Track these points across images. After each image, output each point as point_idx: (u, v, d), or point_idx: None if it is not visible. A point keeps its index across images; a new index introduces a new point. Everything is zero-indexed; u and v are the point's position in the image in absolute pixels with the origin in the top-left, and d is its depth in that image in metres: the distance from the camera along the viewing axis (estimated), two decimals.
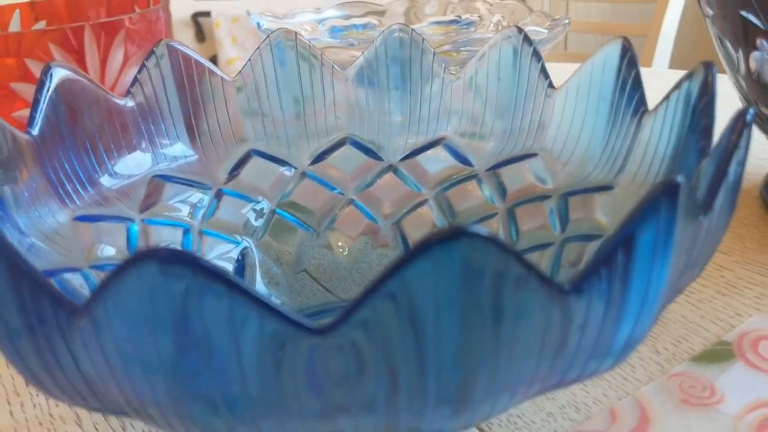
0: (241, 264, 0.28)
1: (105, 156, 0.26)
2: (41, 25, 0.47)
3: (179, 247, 0.26)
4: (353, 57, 0.37)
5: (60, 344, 0.14)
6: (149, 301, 0.12)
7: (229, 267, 0.28)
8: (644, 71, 0.60)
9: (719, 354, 0.24)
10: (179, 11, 1.74)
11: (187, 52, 0.28)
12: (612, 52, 0.25)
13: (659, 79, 0.57)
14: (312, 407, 0.14)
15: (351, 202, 0.30)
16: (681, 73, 0.59)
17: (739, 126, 0.17)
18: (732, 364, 0.24)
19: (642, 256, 0.14)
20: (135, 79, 0.28)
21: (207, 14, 1.75)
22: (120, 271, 0.12)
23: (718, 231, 0.17)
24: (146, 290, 0.12)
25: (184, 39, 1.83)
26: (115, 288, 0.12)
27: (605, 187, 0.25)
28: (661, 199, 0.14)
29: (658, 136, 0.23)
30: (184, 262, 0.11)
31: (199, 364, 0.13)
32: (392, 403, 0.14)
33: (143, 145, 0.27)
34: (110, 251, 0.25)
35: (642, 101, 0.24)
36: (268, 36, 0.30)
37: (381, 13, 0.54)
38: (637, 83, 0.24)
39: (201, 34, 1.75)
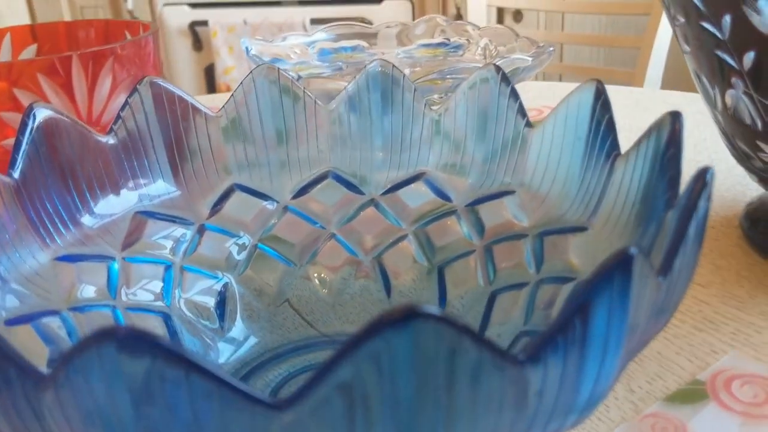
0: (223, 297, 0.29)
1: (88, 194, 0.27)
2: (31, 50, 0.47)
3: (158, 289, 0.27)
4: (339, 87, 0.38)
5: (27, 410, 0.14)
6: (109, 379, 0.12)
7: (211, 301, 0.28)
8: (635, 91, 0.60)
9: (692, 394, 0.25)
10: (176, 20, 1.74)
11: (171, 89, 0.29)
12: (586, 94, 0.26)
13: (650, 99, 0.57)
14: None
15: (332, 236, 0.30)
16: (670, 94, 0.59)
17: (698, 187, 0.17)
18: (705, 404, 0.24)
19: (597, 323, 0.14)
20: (118, 116, 0.28)
21: (204, 23, 1.76)
22: (79, 349, 0.12)
23: (680, 287, 0.17)
24: (105, 370, 0.12)
25: (181, 48, 1.84)
26: (76, 365, 0.12)
27: (579, 228, 0.25)
28: (615, 270, 0.14)
29: (629, 180, 0.24)
30: (143, 343, 0.12)
31: None
32: None
33: (126, 182, 0.28)
34: (90, 291, 0.25)
35: (615, 144, 0.25)
36: (251, 72, 0.30)
37: (371, 36, 0.54)
38: (610, 126, 0.25)
39: (198, 43, 1.75)
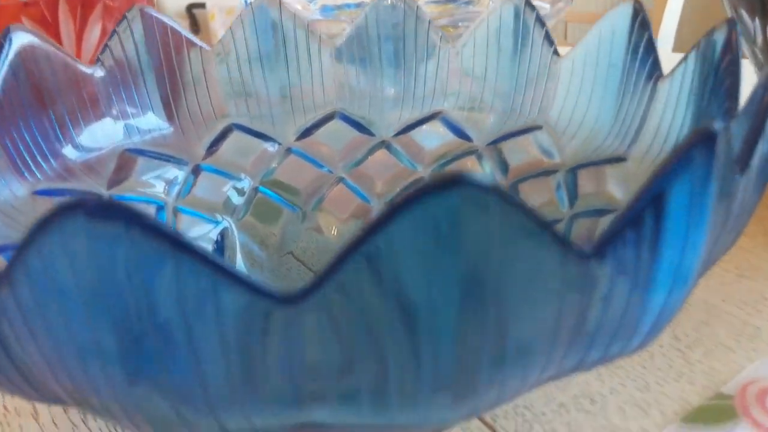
0: (221, 245, 0.26)
1: (70, 126, 0.24)
2: None
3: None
4: (343, 29, 0.35)
5: None
6: (77, 266, 0.10)
7: (208, 247, 0.26)
8: None
9: (718, 411, 0.20)
10: (174, 3, 1.71)
11: (163, 19, 0.26)
12: (622, 15, 0.23)
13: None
14: (283, 394, 0.12)
15: (340, 180, 0.28)
16: (672, 54, 0.56)
17: None
18: (735, 424, 0.19)
19: (675, 216, 0.12)
20: (105, 46, 0.25)
21: (202, 6, 1.72)
22: (39, 228, 0.10)
23: (754, 195, 0.15)
24: (71, 254, 0.10)
25: None
26: (35, 250, 0.10)
27: (617, 159, 0.23)
28: (697, 149, 0.11)
29: (675, 102, 0.21)
30: (117, 216, 0.09)
31: (145, 345, 0.11)
32: (379, 387, 0.12)
33: (113, 115, 0.25)
34: None
35: (656, 65, 0.22)
36: (250, 3, 0.27)
37: None
38: (650, 47, 0.22)
39: (196, 26, 1.72)
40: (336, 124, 0.28)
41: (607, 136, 0.23)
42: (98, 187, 0.24)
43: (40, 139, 0.23)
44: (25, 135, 0.22)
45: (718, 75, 0.19)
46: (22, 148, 0.22)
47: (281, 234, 0.27)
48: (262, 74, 0.28)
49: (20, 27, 0.23)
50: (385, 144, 0.28)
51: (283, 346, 0.11)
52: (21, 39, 0.23)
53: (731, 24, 0.19)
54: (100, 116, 0.25)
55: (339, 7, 0.48)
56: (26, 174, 0.22)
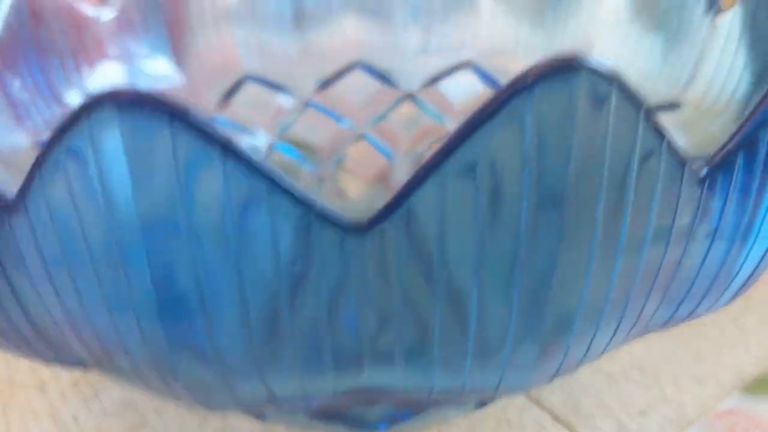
0: None
1: (75, 71, 0.22)
2: None
3: None
4: None
5: None
6: (110, 174, 0.08)
7: None
8: None
9: None
10: None
11: None
12: None
13: None
14: (340, 347, 0.10)
15: (362, 136, 0.26)
16: None
17: None
18: None
19: None
20: None
21: None
22: (66, 130, 0.08)
23: None
24: (103, 160, 0.08)
25: None
26: (57, 162, 0.08)
27: (670, 106, 0.21)
28: None
29: (737, 40, 0.19)
30: (161, 110, 0.08)
31: (184, 285, 0.09)
32: (454, 338, 0.10)
33: (119, 59, 0.23)
34: None
35: None
36: None
37: None
38: None
39: None
40: (357, 75, 0.26)
41: (655, 83, 0.22)
42: None
43: (43, 85, 0.21)
44: (28, 79, 0.21)
45: None
46: (25, 93, 0.20)
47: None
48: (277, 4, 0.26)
49: None
50: (410, 97, 0.26)
51: (340, 282, 0.09)
52: None
53: None
54: (105, 61, 0.23)
55: None
56: (28, 123, 0.20)
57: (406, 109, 0.26)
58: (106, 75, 0.23)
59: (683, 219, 0.10)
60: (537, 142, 0.08)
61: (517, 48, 0.25)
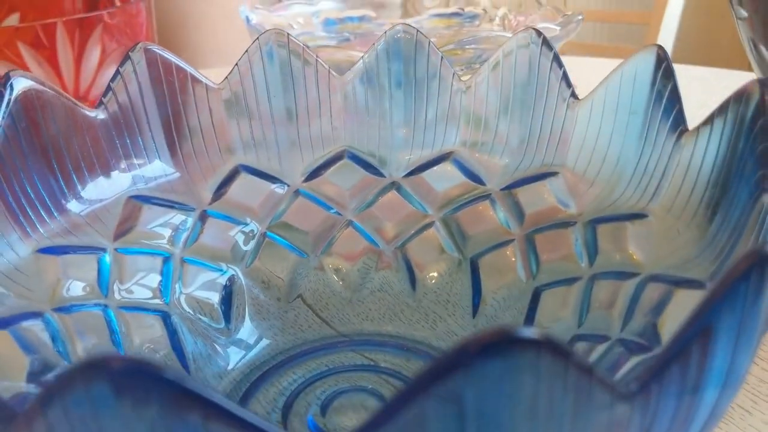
0: (228, 292, 0.25)
1: (74, 176, 0.23)
2: (13, 19, 0.44)
3: (155, 284, 0.24)
4: (350, 57, 0.34)
5: None
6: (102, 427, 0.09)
7: (215, 297, 0.25)
8: None
9: None
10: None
11: (168, 56, 0.25)
12: (645, 61, 0.22)
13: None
14: None
15: (349, 223, 0.27)
16: (697, 69, 0.56)
17: None
18: None
19: (722, 348, 0.11)
20: (108, 88, 0.25)
21: None
22: (61, 386, 0.09)
23: None
24: (98, 416, 0.09)
25: None
26: (57, 408, 0.09)
27: (638, 215, 0.22)
28: (746, 281, 0.11)
29: (700, 159, 0.20)
30: (146, 379, 0.09)
31: None
32: None
33: (118, 162, 0.25)
34: (78, 288, 0.22)
35: (680, 118, 0.21)
36: (257, 38, 0.27)
37: (378, 5, 0.51)
38: (675, 97, 0.22)
39: None
40: (345, 164, 0.27)
41: (627, 186, 0.23)
42: (104, 240, 0.23)
43: (43, 193, 0.22)
44: (28, 189, 0.22)
45: (749, 139, 0.18)
46: (25, 203, 0.22)
47: (289, 279, 0.26)
48: (269, 111, 0.27)
49: (21, 73, 0.22)
50: (395, 185, 0.27)
51: None
52: (21, 85, 0.22)
53: (764, 84, 0.19)
54: (104, 164, 0.24)
55: (342, 21, 0.48)
56: (29, 231, 0.21)
57: (391, 197, 0.27)
58: (105, 179, 0.24)
59: (619, 428, 0.11)
60: (477, 415, 0.09)
61: (495, 146, 0.26)
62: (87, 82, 0.35)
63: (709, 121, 0.20)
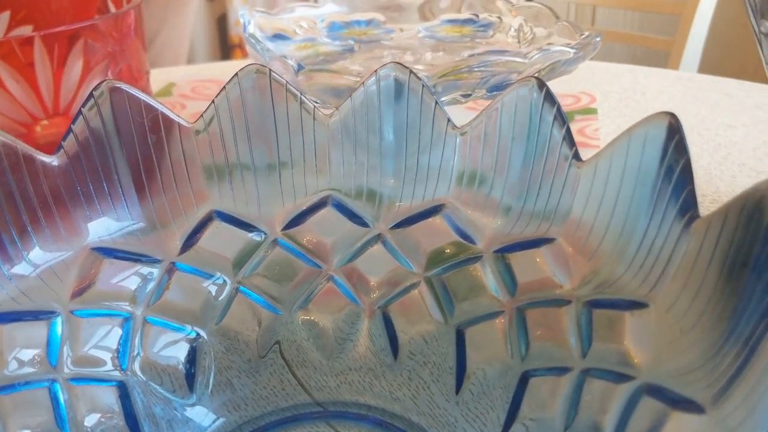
0: (194, 353, 0.24)
1: (30, 230, 0.22)
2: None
3: (115, 343, 0.22)
4: (347, 81, 0.32)
5: None
6: None
7: (179, 358, 0.23)
8: (683, 77, 0.54)
9: None
10: None
11: (137, 95, 0.23)
12: (656, 130, 0.20)
13: (688, 83, 0.50)
14: None
15: (330, 278, 0.25)
16: (725, 82, 0.53)
17: None
18: None
19: None
20: (69, 131, 0.23)
21: None
22: None
23: None
24: None
25: None
26: None
27: (637, 304, 0.20)
28: None
29: (709, 255, 0.18)
30: None
31: None
32: None
33: (79, 212, 0.23)
34: (25, 358, 0.20)
35: (691, 201, 0.19)
36: (236, 74, 0.24)
37: (395, 8, 0.48)
38: (687, 177, 0.19)
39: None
40: (328, 212, 0.25)
41: (629, 267, 0.21)
42: (58, 302, 0.21)
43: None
44: None
45: (765, 246, 0.16)
46: None
47: (262, 338, 0.25)
48: (248, 152, 0.25)
49: None
50: (380, 238, 0.25)
51: None
52: None
53: None
54: (64, 213, 0.22)
55: (348, 25, 0.45)
56: None
57: (377, 250, 0.25)
58: (63, 230, 0.22)
59: None
60: None
61: (491, 201, 0.24)
62: (68, 97, 0.33)
63: (723, 214, 0.18)
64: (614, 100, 0.51)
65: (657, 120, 0.20)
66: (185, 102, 0.52)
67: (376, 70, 0.25)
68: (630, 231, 0.21)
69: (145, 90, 0.39)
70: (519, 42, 0.42)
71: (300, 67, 0.32)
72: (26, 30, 0.40)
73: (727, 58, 1.35)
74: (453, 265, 0.24)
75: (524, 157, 0.23)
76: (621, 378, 0.19)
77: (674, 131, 0.20)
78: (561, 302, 0.22)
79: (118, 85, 0.23)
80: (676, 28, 1.07)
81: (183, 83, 0.57)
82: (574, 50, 0.35)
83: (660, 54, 1.24)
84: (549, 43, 0.39)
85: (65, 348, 0.21)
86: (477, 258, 0.24)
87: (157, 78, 0.60)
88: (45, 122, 0.34)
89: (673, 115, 0.20)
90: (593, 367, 0.20)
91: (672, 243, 0.19)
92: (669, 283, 0.19)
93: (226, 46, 1.82)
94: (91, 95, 0.23)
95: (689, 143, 0.19)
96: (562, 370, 0.20)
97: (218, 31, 1.83)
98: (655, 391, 0.18)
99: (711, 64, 1.22)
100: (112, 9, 0.41)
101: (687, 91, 0.52)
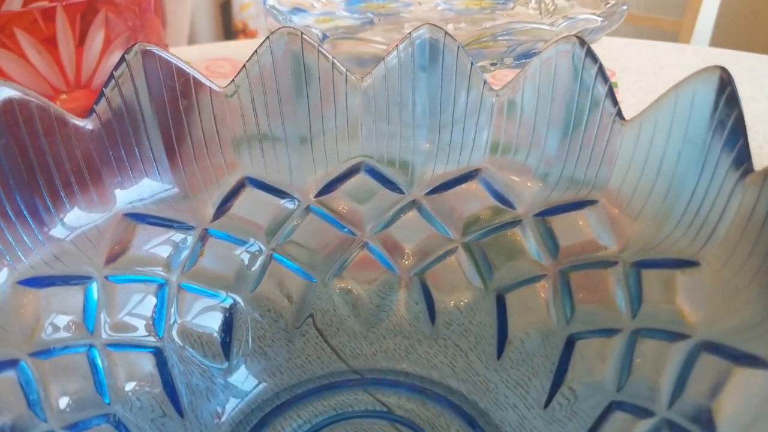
0: (229, 321, 0.23)
1: (63, 195, 0.21)
2: (16, 3, 0.41)
3: (151, 309, 0.22)
4: (373, 49, 0.32)
5: None
6: None
7: (215, 326, 0.23)
8: (701, 51, 0.53)
9: None
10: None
11: (169, 58, 0.23)
12: (705, 85, 0.20)
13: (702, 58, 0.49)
14: None
15: (365, 245, 0.25)
16: (742, 55, 0.52)
17: None
18: None
19: None
20: (101, 95, 0.22)
21: None
22: None
23: None
24: None
25: None
26: None
27: (688, 263, 0.19)
28: None
29: (767, 208, 0.18)
30: None
31: None
32: None
33: (112, 177, 0.22)
34: (61, 324, 0.20)
35: (745, 154, 0.19)
36: (267, 37, 0.24)
37: None
38: (739, 130, 0.19)
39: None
40: (361, 179, 0.25)
41: (676, 226, 0.20)
42: (92, 267, 0.21)
43: (28, 217, 0.20)
44: (10, 213, 0.20)
45: None
46: (5, 229, 0.19)
47: (297, 306, 0.24)
48: (280, 117, 0.25)
49: (2, 82, 0.20)
50: (416, 204, 0.25)
51: None
52: (3, 95, 0.20)
53: None
54: (96, 179, 0.22)
55: None
56: (9, 260, 0.19)
57: (412, 216, 0.25)
58: (97, 195, 0.21)
59: None
60: None
61: (530, 164, 0.23)
62: (90, 69, 0.33)
63: None
64: (633, 74, 0.50)
65: (706, 74, 0.20)
66: None
67: (410, 32, 0.24)
68: (677, 190, 0.20)
69: None
70: (540, 13, 0.42)
71: (325, 36, 0.32)
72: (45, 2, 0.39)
73: (736, 39, 1.34)
74: (491, 230, 0.24)
75: (565, 119, 0.23)
76: (676, 337, 0.18)
77: (725, 84, 0.19)
78: (607, 263, 0.21)
79: (150, 48, 0.23)
80: (683, 9, 1.07)
81: (197, 62, 0.56)
82: (600, 18, 0.34)
83: (667, 35, 1.23)
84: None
85: (102, 314, 0.20)
86: (516, 222, 0.23)
87: None
88: (65, 96, 0.33)
89: (724, 69, 0.20)
90: (644, 327, 0.19)
91: (724, 198, 0.19)
92: (722, 240, 0.19)
93: (230, 32, 1.81)
94: (123, 59, 0.22)
95: None
96: (611, 332, 0.20)
97: (222, 16, 1.82)
98: (713, 348, 0.17)
99: (720, 45, 1.21)
100: None
101: (706, 65, 0.52)
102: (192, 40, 1.81)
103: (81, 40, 0.32)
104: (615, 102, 0.22)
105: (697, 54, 0.55)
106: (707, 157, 0.20)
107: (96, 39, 0.32)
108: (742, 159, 0.18)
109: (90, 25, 0.32)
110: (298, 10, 0.41)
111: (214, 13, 1.80)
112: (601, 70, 0.22)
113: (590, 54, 0.22)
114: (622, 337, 0.20)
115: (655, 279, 0.20)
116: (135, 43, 0.23)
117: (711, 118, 0.19)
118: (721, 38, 1.19)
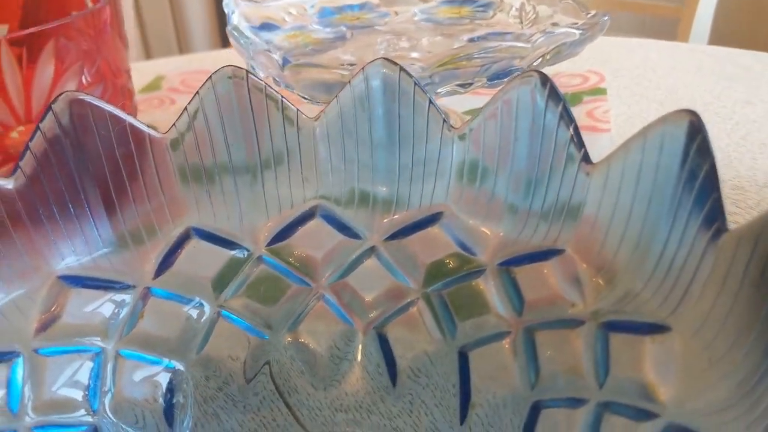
0: (172, 389, 0.22)
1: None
2: None
3: (85, 382, 0.20)
4: (337, 76, 0.30)
5: None
6: None
7: (156, 394, 0.22)
8: (697, 50, 0.51)
9: None
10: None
11: (101, 106, 0.21)
12: (675, 129, 0.18)
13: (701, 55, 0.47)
14: None
15: (321, 297, 0.23)
16: (740, 53, 0.50)
17: None
18: None
19: None
20: (26, 148, 0.21)
21: None
22: None
23: None
24: None
25: None
26: None
27: (657, 327, 0.18)
28: None
29: (742, 272, 0.16)
30: None
31: None
32: None
33: (42, 237, 0.21)
34: None
35: (718, 212, 0.17)
36: (210, 77, 0.22)
37: None
38: (711, 183, 0.17)
39: None
40: (317, 225, 0.23)
41: (647, 283, 0.18)
42: (21, 338, 0.20)
43: None
44: None
45: None
46: None
47: (249, 363, 0.23)
48: (228, 162, 0.23)
49: None
50: (374, 251, 0.23)
51: None
52: None
53: None
54: (26, 240, 0.20)
55: (339, 10, 0.43)
56: None
57: (370, 264, 0.23)
58: (25, 258, 0.20)
59: None
60: None
61: (493, 209, 0.22)
62: (41, 103, 0.31)
63: (757, 227, 0.15)
64: (625, 78, 0.48)
65: (675, 119, 0.18)
66: (174, 96, 0.50)
67: (363, 68, 0.22)
68: (647, 242, 0.19)
69: (126, 87, 0.37)
70: (521, 22, 0.40)
71: (286, 62, 0.30)
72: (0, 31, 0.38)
73: (738, 25, 1.31)
74: (454, 280, 0.22)
75: (528, 159, 0.21)
76: (643, 415, 0.17)
77: (696, 131, 0.17)
78: (574, 323, 0.19)
79: (80, 97, 0.21)
80: None
81: (172, 76, 0.54)
82: (580, 31, 0.32)
83: (669, 22, 1.20)
84: (553, 24, 0.36)
85: (27, 394, 0.19)
86: (480, 272, 0.22)
87: (145, 71, 0.57)
88: (21, 128, 0.32)
89: (693, 113, 0.18)
90: (612, 401, 0.18)
91: (696, 258, 0.17)
92: (694, 304, 0.17)
93: (226, 39, 1.79)
94: (49, 109, 0.21)
95: (705, 122, 0.17)
96: (577, 402, 0.18)
97: (218, 18, 1.80)
98: None
99: (722, 31, 1.18)
100: (89, 4, 0.38)
101: (702, 66, 0.50)
102: (188, 48, 1.79)
103: (29, 74, 0.30)
104: (581, 146, 0.20)
105: (693, 53, 0.52)
106: (678, 211, 0.18)
107: (46, 71, 0.31)
108: (714, 217, 0.17)
109: (37, 57, 0.31)
110: (266, 26, 0.39)
111: (211, 20, 1.78)
112: (565, 110, 0.20)
113: (553, 94, 0.20)
114: (589, 409, 0.18)
115: (623, 345, 0.18)
116: (62, 93, 0.21)
117: (681, 167, 0.18)
118: (725, 20, 1.16)
